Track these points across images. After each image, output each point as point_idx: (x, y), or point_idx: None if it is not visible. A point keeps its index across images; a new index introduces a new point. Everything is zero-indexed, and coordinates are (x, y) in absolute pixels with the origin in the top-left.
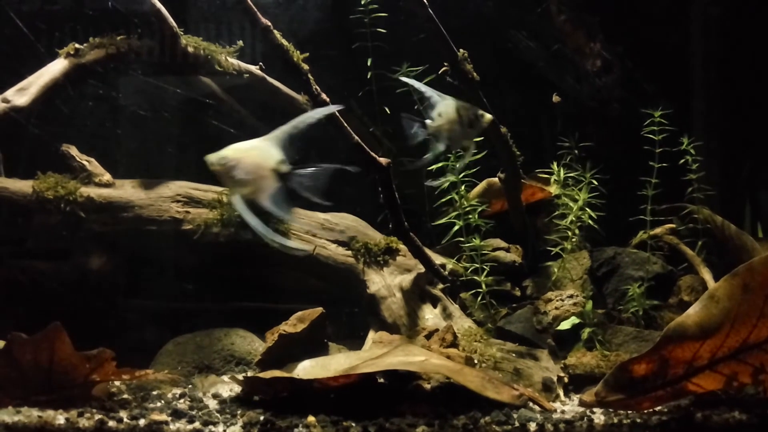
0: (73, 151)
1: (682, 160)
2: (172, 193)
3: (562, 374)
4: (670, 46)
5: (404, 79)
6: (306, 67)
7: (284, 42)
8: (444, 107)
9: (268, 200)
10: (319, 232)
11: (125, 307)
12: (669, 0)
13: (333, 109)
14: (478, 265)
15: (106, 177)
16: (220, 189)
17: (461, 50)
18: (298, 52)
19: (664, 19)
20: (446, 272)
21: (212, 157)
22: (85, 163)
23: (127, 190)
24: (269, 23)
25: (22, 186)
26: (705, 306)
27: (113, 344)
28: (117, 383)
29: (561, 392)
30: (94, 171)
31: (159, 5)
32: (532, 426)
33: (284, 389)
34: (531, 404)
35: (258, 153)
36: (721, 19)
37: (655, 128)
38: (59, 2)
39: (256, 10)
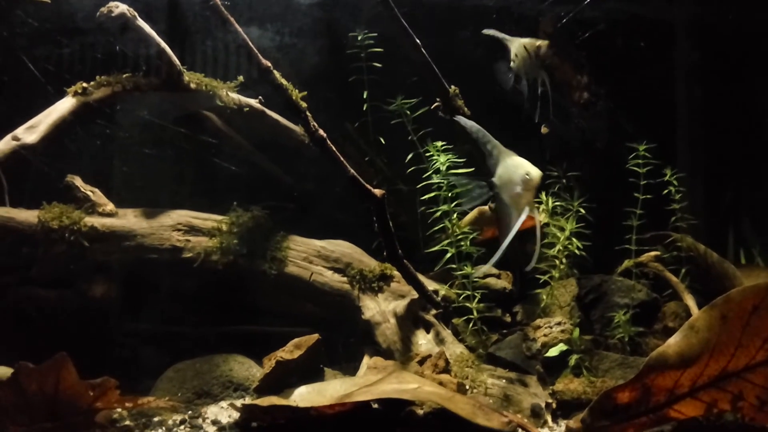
0: (78, 181)
1: (665, 191)
2: (173, 222)
3: (550, 400)
4: (653, 86)
5: (487, 31)
6: (304, 105)
7: (284, 82)
8: (516, 47)
9: None
10: (316, 259)
11: (127, 334)
12: (652, 45)
13: None
14: (469, 292)
15: (110, 207)
16: (219, 218)
17: (452, 87)
18: (297, 91)
19: (647, 62)
20: (439, 298)
21: None
22: (89, 193)
23: (129, 220)
24: (270, 64)
25: (28, 216)
26: (685, 336)
27: (115, 369)
28: (119, 410)
29: (549, 418)
30: (98, 201)
31: (164, 45)
32: None
33: (282, 416)
34: (520, 430)
35: None
36: (701, 62)
37: (639, 161)
38: (69, 46)
39: (257, 52)
